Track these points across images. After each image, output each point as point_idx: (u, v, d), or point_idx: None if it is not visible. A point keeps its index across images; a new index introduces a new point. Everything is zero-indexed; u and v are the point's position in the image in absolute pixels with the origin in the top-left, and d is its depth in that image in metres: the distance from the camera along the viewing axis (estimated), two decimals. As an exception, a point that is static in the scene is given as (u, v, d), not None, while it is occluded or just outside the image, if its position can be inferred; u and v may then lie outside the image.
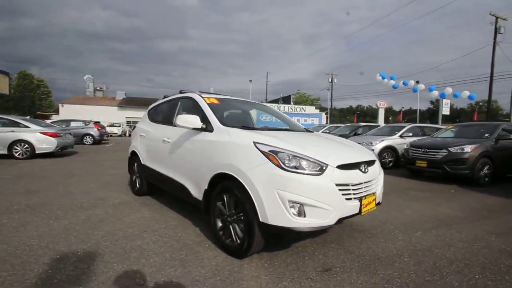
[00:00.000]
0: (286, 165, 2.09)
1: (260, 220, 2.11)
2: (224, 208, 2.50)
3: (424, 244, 2.79)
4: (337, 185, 2.15)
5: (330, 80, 47.94)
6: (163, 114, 4.07)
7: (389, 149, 8.67)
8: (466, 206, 4.33)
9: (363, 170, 2.40)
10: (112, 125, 27.01)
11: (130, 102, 41.45)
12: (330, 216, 2.09)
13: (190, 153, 2.97)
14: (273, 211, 2.05)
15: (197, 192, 2.86)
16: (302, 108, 38.06)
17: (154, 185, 4.20)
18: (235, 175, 2.29)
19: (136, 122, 43.15)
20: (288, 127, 3.57)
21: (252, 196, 2.15)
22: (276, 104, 40.45)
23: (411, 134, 8.96)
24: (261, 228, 2.16)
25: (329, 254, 2.52)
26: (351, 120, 61.40)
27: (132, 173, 4.62)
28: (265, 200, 2.07)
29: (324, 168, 2.13)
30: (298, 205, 2.03)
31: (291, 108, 37.49)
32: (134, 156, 4.54)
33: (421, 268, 2.30)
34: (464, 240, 2.93)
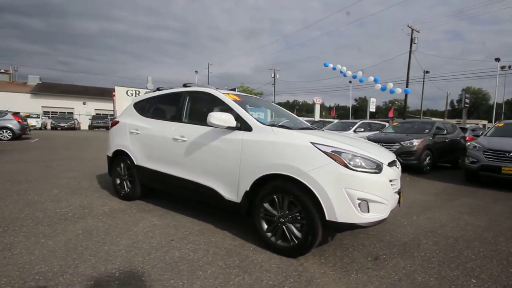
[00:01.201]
0: (351, 164, 2.20)
1: (327, 218, 2.17)
2: (274, 209, 2.47)
3: (426, 227, 3.29)
4: (390, 181, 2.36)
5: (273, 75, 49.75)
6: (166, 109, 3.68)
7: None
8: (428, 191, 5.21)
9: (397, 166, 2.69)
10: (28, 116, 22.46)
11: (46, 89, 35.08)
12: (386, 209, 2.30)
13: (222, 153, 2.79)
14: (342, 209, 2.14)
15: (232, 194, 2.72)
16: (248, 102, 38.79)
17: (148, 188, 3.80)
18: (294, 176, 2.28)
19: (56, 112, 37.19)
20: (304, 126, 3.64)
21: (318, 196, 2.18)
22: (222, 97, 39.99)
23: (362, 130, 10.12)
24: (326, 226, 2.22)
25: (365, 244, 2.75)
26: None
27: (117, 175, 4.05)
28: (334, 199, 2.14)
29: (381, 166, 2.31)
30: (365, 201, 2.17)
31: (237, 102, 37.79)
32: (119, 156, 3.98)
33: (439, 247, 2.73)
34: (449, 220, 3.56)
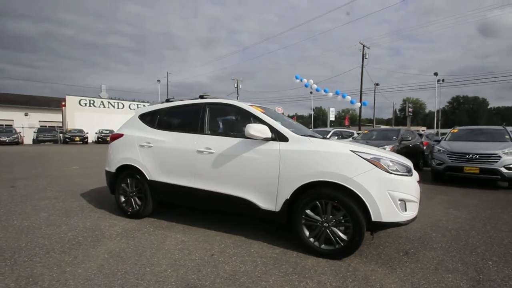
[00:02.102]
0: (391, 169, 2.45)
1: (373, 219, 2.37)
2: (316, 214, 2.60)
3: (427, 222, 3.72)
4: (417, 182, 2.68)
5: (236, 86, 50.26)
6: (183, 121, 3.59)
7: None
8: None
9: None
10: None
11: (-22, 99, 30.45)
12: (417, 207, 2.59)
13: (257, 164, 2.84)
14: (387, 210, 2.37)
15: (269, 204, 2.79)
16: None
17: (159, 204, 3.63)
18: (340, 182, 2.45)
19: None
20: (318, 135, 3.86)
21: (364, 199, 2.38)
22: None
23: (336, 137, 10.84)
24: (371, 227, 2.42)
25: (390, 241, 3.02)
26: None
27: (122, 192, 3.78)
28: (379, 201, 2.36)
29: (411, 169, 2.61)
30: (403, 201, 2.43)
31: (201, 112, 37.23)
32: (125, 171, 3.74)
33: (448, 238, 3.13)
34: (441, 215, 4.07)
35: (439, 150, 6.91)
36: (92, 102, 30.24)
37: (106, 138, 25.40)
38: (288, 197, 2.67)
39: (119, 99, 32.74)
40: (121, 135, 3.90)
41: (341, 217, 2.50)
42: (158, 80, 35.11)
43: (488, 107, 79.27)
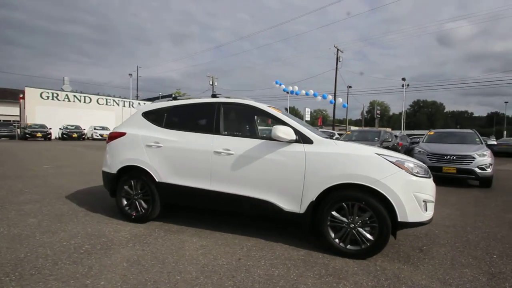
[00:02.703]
0: (414, 171, 2.57)
1: (399, 219, 2.48)
2: (342, 216, 2.65)
3: (439, 229, 3.97)
4: (433, 183, 2.85)
5: (211, 83, 49.48)
6: (195, 121, 3.44)
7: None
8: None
9: None
10: None
11: None
12: (433, 207, 2.75)
13: (281, 166, 2.81)
14: (412, 211, 2.48)
15: (293, 206, 2.78)
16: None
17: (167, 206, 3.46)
18: (368, 184, 2.52)
19: None
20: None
21: (392, 200, 2.48)
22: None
23: None
24: (398, 226, 2.53)
25: (401, 239, 3.17)
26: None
27: (124, 195, 3.54)
28: (405, 202, 2.47)
29: (429, 171, 2.77)
30: (425, 202, 2.57)
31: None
32: (128, 173, 3.51)
33: (451, 234, 3.37)
34: (435, 213, 4.37)
35: (419, 151, 7.41)
36: (55, 95, 27.79)
37: (72, 135, 23.57)
38: (314, 199, 2.69)
39: (86, 93, 30.49)
40: (123, 134, 3.64)
41: (367, 218, 2.58)
42: (130, 74, 33.42)
43: (445, 111, 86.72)
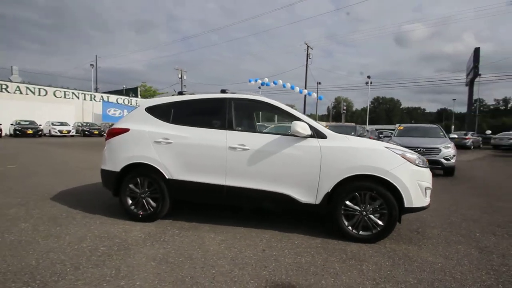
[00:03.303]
0: (417, 162, 2.89)
1: (406, 205, 2.77)
2: (355, 204, 2.88)
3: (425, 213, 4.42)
4: (428, 172, 3.20)
5: (180, 76, 47.93)
6: (206, 116, 3.42)
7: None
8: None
9: None
10: None
11: None
12: (430, 193, 3.10)
13: (298, 159, 2.96)
14: (416, 197, 2.79)
15: (309, 197, 2.95)
16: (156, 103, 35.62)
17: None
18: (380, 175, 2.77)
19: None
20: None
21: (400, 188, 2.76)
22: (125, 97, 35.41)
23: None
24: (403, 212, 2.82)
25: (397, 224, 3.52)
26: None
27: (129, 194, 3.42)
28: (411, 189, 2.77)
29: (426, 162, 3.11)
30: (426, 189, 2.90)
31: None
32: (134, 170, 3.40)
33: (436, 218, 3.81)
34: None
35: (393, 145, 8.08)
36: (5, 86, 24.76)
37: (27, 131, 21.29)
38: (329, 190, 2.89)
39: (41, 85, 27.61)
40: (126, 130, 3.49)
41: (377, 206, 2.84)
42: (92, 65, 30.93)
43: (401, 107, 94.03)
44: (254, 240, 2.91)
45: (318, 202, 2.94)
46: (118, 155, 3.46)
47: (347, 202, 2.89)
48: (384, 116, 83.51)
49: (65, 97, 29.08)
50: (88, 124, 26.60)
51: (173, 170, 3.27)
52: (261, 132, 3.25)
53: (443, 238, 3.08)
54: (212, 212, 3.80)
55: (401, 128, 9.41)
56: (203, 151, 3.21)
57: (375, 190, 2.82)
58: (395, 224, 2.83)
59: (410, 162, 2.86)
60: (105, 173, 3.60)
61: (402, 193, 2.77)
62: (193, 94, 3.65)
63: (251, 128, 3.40)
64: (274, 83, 21.73)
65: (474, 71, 20.05)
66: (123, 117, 3.81)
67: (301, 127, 2.87)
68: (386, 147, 2.91)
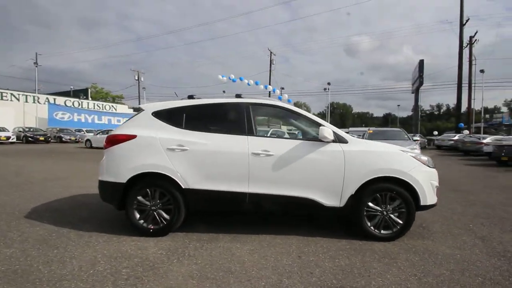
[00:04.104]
0: (428, 164, 3.14)
1: (421, 204, 3.00)
2: (376, 205, 3.03)
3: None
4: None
5: (137, 78, 45.39)
6: (223, 122, 3.28)
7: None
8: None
9: None
10: None
11: None
12: None
13: (322, 164, 3.00)
14: (430, 196, 3.04)
15: (333, 200, 3.02)
16: (113, 106, 32.93)
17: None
18: (399, 176, 2.96)
19: None
20: None
21: (416, 188, 2.97)
22: (74, 99, 32.07)
23: None
24: (418, 209, 3.04)
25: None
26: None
27: (136, 207, 3.11)
28: (426, 189, 3.00)
29: (434, 163, 3.39)
30: (436, 188, 3.17)
31: (98, 106, 31.38)
32: (142, 180, 3.11)
33: (432, 213, 4.15)
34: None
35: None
36: None
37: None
38: (353, 193, 2.99)
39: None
40: (132, 137, 3.17)
41: (396, 205, 3.03)
42: (35, 63, 27.39)
43: (352, 112, 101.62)
44: (283, 247, 2.87)
45: (342, 205, 3.02)
46: (124, 165, 3.12)
47: (370, 204, 3.02)
48: (338, 120, 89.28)
49: (1, 99, 25.24)
50: (31, 130, 23.42)
51: (189, 179, 3.06)
52: (281, 137, 3.24)
53: (447, 231, 3.39)
54: (221, 220, 3.64)
55: (371, 131, 10.18)
56: (224, 158, 3.07)
57: (394, 190, 3.00)
58: (412, 222, 3.05)
59: (423, 163, 3.11)
60: (106, 185, 3.22)
61: (418, 192, 2.99)
62: (207, 98, 3.49)
63: (274, 133, 3.38)
64: (241, 79, 21.66)
65: (419, 80, 22.89)
66: (125, 122, 3.45)
67: (327, 133, 2.93)
68: (402, 150, 3.12)
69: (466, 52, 22.30)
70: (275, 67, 34.73)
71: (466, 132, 19.45)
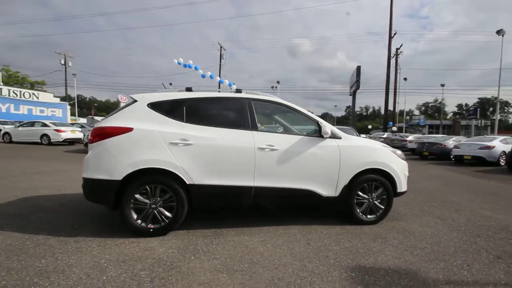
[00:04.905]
0: (402, 157, 3.69)
1: (398, 191, 3.53)
2: (364, 193, 3.44)
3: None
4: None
5: (63, 63, 39.77)
6: (227, 116, 3.24)
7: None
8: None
9: None
10: None
11: None
12: None
13: (321, 157, 3.26)
14: (403, 184, 3.58)
15: (330, 191, 3.32)
16: (34, 94, 27.82)
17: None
18: (383, 168, 3.41)
19: None
20: None
21: (395, 178, 3.48)
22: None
23: None
24: (395, 196, 3.56)
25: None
26: (89, 113, 54.61)
27: (134, 206, 2.89)
28: (402, 178, 3.54)
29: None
30: (407, 177, 3.75)
31: (14, 93, 26.18)
32: (141, 177, 2.90)
33: (409, 204, 4.89)
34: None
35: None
36: None
37: None
38: (347, 183, 3.34)
39: None
40: (128, 129, 2.91)
41: (380, 193, 3.49)
42: None
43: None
44: (289, 236, 3.04)
45: (337, 194, 3.34)
46: (119, 160, 2.84)
47: (359, 192, 3.42)
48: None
49: None
50: None
51: (194, 174, 2.97)
52: (283, 132, 3.37)
53: (411, 213, 4.05)
54: (213, 216, 3.63)
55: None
56: (231, 152, 3.07)
57: (378, 180, 3.45)
58: (391, 207, 3.56)
59: (398, 156, 3.65)
60: (95, 184, 2.88)
61: (396, 181, 3.51)
62: (204, 91, 3.39)
63: (273, 128, 3.50)
64: (196, 68, 20.76)
65: (356, 84, 25.83)
66: (114, 114, 3.10)
67: (328, 128, 3.20)
68: (383, 145, 3.61)
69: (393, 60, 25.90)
70: (225, 62, 34.48)
71: (395, 128, 22.59)
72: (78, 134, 15.85)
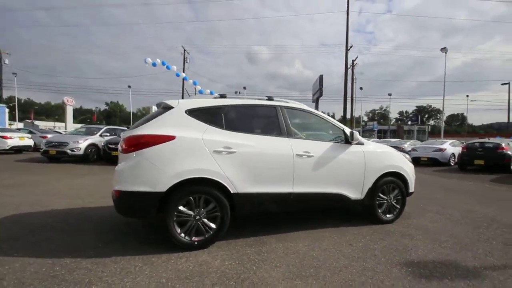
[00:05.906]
0: (409, 159, 4.10)
1: (409, 191, 3.92)
2: (384, 195, 3.74)
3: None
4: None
5: (-2, 60, 35.01)
6: (262, 123, 3.29)
7: (93, 145, 10.90)
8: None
9: None
10: None
11: None
12: None
13: (350, 162, 3.47)
14: (413, 185, 3.99)
15: (357, 194, 3.55)
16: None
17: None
18: (399, 171, 3.76)
19: None
20: None
21: (408, 179, 3.86)
22: None
23: (108, 134, 11.79)
24: (407, 196, 3.94)
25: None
26: (27, 117, 48.26)
27: (177, 219, 2.74)
28: (412, 180, 3.94)
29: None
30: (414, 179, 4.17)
31: None
32: (185, 188, 2.76)
33: (409, 203, 5.36)
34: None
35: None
36: None
37: None
38: (371, 186, 3.60)
39: None
40: (171, 138, 2.75)
41: (396, 193, 3.83)
42: None
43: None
44: (328, 240, 3.16)
45: (362, 197, 3.58)
46: (162, 171, 2.67)
47: (380, 194, 3.71)
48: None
49: None
50: None
51: (238, 183, 2.93)
52: (315, 139, 3.50)
53: (414, 211, 4.49)
54: (241, 222, 3.59)
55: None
56: (272, 160, 3.09)
57: (395, 182, 3.80)
58: (405, 206, 3.93)
59: (408, 159, 4.06)
60: (133, 197, 2.65)
61: (409, 182, 3.90)
62: (238, 98, 3.40)
63: (310, 136, 3.62)
64: (168, 67, 19.86)
65: (319, 91, 27.42)
66: (150, 122, 2.89)
67: (357, 135, 3.44)
68: (396, 150, 3.98)
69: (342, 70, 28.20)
70: (189, 66, 33.64)
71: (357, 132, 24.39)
72: (28, 141, 13.94)
